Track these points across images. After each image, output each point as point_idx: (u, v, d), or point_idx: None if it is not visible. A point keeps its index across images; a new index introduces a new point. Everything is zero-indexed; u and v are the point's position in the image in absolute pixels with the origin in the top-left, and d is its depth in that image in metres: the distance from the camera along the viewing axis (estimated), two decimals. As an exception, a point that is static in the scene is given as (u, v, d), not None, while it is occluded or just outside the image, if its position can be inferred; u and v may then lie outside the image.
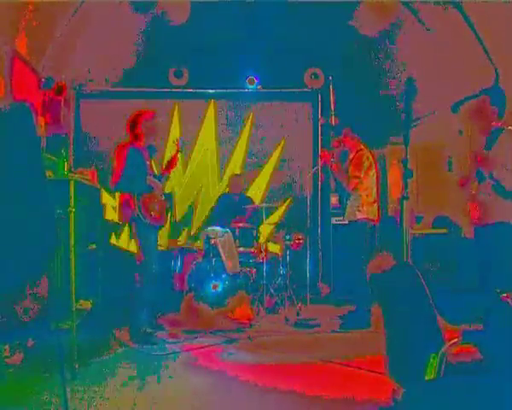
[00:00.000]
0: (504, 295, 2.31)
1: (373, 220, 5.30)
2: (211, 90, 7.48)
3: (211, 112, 7.60)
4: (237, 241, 5.99)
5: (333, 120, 6.86)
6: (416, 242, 6.18)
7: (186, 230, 7.52)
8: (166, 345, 4.46)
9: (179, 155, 5.05)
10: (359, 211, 5.24)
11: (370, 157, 5.36)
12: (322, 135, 7.51)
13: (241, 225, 6.14)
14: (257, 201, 7.20)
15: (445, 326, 2.42)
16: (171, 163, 4.91)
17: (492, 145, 3.92)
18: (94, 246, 5.25)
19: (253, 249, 6.10)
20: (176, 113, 7.50)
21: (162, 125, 6.67)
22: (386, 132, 7.23)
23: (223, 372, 3.78)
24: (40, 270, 2.92)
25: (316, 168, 6.43)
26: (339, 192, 6.95)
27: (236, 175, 7.15)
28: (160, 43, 6.93)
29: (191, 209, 7.62)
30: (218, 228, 5.88)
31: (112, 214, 6.50)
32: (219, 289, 5.37)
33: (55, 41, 5.86)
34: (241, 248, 6.01)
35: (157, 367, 3.84)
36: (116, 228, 6.87)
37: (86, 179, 4.52)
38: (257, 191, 7.59)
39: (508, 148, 3.87)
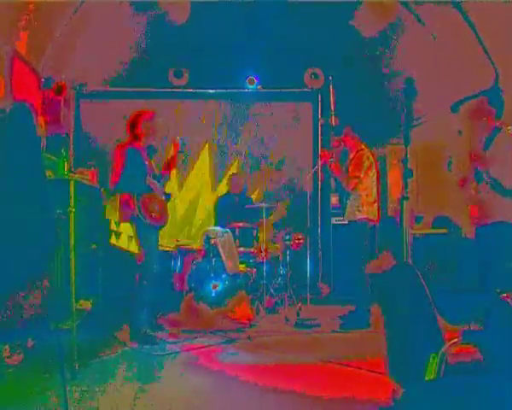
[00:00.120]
0: (504, 295, 2.31)
1: (373, 220, 5.30)
2: (211, 90, 7.48)
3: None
4: (237, 241, 5.99)
5: (333, 120, 6.86)
6: (416, 242, 6.19)
7: (186, 230, 7.52)
8: (166, 345, 4.45)
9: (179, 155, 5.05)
10: (359, 211, 5.24)
11: (371, 157, 5.35)
12: (322, 135, 7.51)
13: (241, 224, 6.15)
14: (256, 201, 7.20)
15: (445, 326, 2.42)
16: (171, 163, 4.90)
17: (490, 145, 3.95)
18: (94, 246, 5.25)
19: (253, 249, 6.11)
20: (176, 113, 7.50)
21: (162, 125, 6.67)
22: (386, 132, 7.23)
23: (223, 372, 3.77)
24: (40, 270, 2.92)
25: (316, 168, 6.43)
26: (339, 192, 6.96)
27: (235, 174, 7.14)
28: (160, 43, 6.93)
29: (191, 209, 7.62)
30: (218, 228, 5.88)
31: (112, 215, 6.49)
32: (219, 288, 5.37)
33: (55, 41, 5.87)
34: (241, 248, 6.01)
35: (157, 367, 3.84)
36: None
37: (86, 179, 4.52)
38: (256, 191, 7.60)
39: (505, 147, 3.90)
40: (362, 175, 5.24)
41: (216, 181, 7.69)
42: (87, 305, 4.56)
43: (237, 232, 6.04)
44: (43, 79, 5.74)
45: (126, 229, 6.42)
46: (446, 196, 6.49)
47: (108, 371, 3.72)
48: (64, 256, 3.91)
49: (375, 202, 5.32)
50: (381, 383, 3.13)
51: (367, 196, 5.26)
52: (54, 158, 4.01)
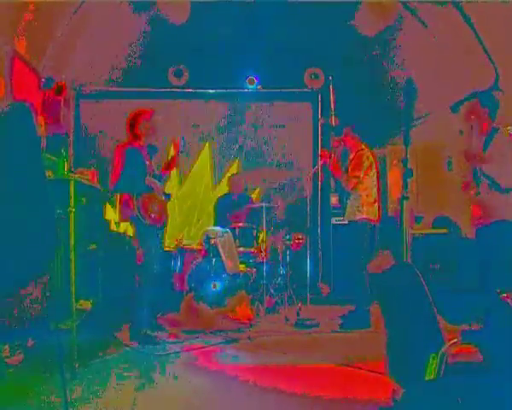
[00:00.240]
0: (504, 295, 2.31)
1: (373, 220, 5.30)
2: (211, 90, 7.48)
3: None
4: (237, 241, 5.99)
5: (333, 120, 6.85)
6: (416, 242, 6.18)
7: (186, 230, 7.52)
8: (166, 345, 4.46)
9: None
10: (359, 211, 5.24)
11: (371, 157, 5.35)
12: (322, 135, 7.51)
13: (241, 224, 6.15)
14: (256, 201, 7.20)
15: (445, 326, 2.42)
16: (172, 163, 4.89)
17: (488, 145, 3.98)
18: (94, 246, 5.25)
19: (253, 249, 6.11)
20: (176, 113, 7.50)
21: (162, 125, 6.67)
22: (386, 132, 7.23)
23: (223, 372, 3.77)
24: (40, 270, 2.91)
25: (316, 168, 6.43)
26: (339, 192, 6.96)
27: (235, 175, 7.15)
28: (159, 43, 6.93)
29: (191, 209, 7.63)
30: (218, 228, 5.88)
31: (112, 214, 6.49)
32: (219, 288, 5.37)
33: (56, 41, 5.87)
34: (241, 248, 6.01)
35: (157, 367, 3.84)
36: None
37: (86, 179, 4.52)
38: (256, 191, 7.60)
39: (503, 147, 3.92)
40: (362, 175, 5.24)
41: (216, 181, 7.69)
42: (87, 305, 4.55)
43: (237, 232, 6.04)
44: (43, 79, 5.74)
45: (126, 228, 6.43)
46: (446, 196, 6.50)
47: (108, 371, 3.72)
48: (64, 256, 3.90)
49: (375, 202, 5.31)
50: (381, 383, 3.13)
51: (367, 196, 5.26)
52: (54, 158, 4.00)
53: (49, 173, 3.66)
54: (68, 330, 3.65)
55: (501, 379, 2.04)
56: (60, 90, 5.81)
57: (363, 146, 5.39)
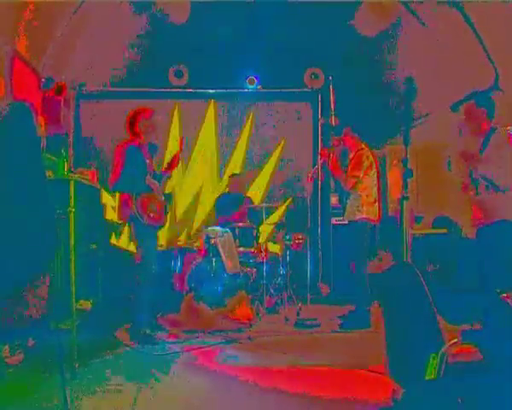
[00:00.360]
0: (504, 295, 2.31)
1: (373, 220, 5.29)
2: (211, 90, 7.48)
3: (211, 112, 7.60)
4: (237, 241, 5.99)
5: (333, 120, 6.85)
6: (416, 242, 6.18)
7: (186, 230, 7.52)
8: (166, 345, 4.46)
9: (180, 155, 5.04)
10: (359, 211, 5.24)
11: (371, 157, 5.34)
12: (322, 135, 7.51)
13: (241, 224, 6.14)
14: (257, 201, 7.21)
15: (445, 326, 2.42)
16: (173, 163, 4.87)
17: (486, 145, 3.98)
18: (94, 246, 5.25)
19: (253, 249, 6.10)
20: (176, 113, 7.50)
21: (162, 125, 6.67)
22: (386, 132, 7.22)
23: (223, 372, 3.78)
24: (40, 270, 2.92)
25: (316, 167, 6.42)
26: (339, 192, 6.96)
27: (236, 175, 7.15)
28: (159, 43, 6.93)
29: (191, 209, 7.62)
30: (218, 228, 5.87)
31: (112, 214, 6.50)
32: (219, 288, 5.38)
33: (56, 41, 5.86)
34: (241, 248, 6.01)
35: (157, 367, 3.84)
36: (116, 228, 6.87)
37: (86, 179, 4.52)
38: (257, 191, 7.59)
39: (500, 147, 3.92)
40: (361, 175, 5.24)
41: (216, 181, 7.68)
42: (87, 305, 4.55)
43: (237, 232, 6.04)
44: (43, 79, 5.73)
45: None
46: (446, 196, 6.49)
47: (108, 372, 3.72)
48: (64, 256, 3.90)
49: (375, 202, 5.31)
50: (381, 383, 3.13)
51: (367, 196, 5.26)
52: (54, 158, 4.00)
53: (49, 173, 3.66)
54: (68, 330, 3.65)
55: (501, 379, 2.04)
56: (60, 90, 5.80)
57: (363, 145, 5.39)
